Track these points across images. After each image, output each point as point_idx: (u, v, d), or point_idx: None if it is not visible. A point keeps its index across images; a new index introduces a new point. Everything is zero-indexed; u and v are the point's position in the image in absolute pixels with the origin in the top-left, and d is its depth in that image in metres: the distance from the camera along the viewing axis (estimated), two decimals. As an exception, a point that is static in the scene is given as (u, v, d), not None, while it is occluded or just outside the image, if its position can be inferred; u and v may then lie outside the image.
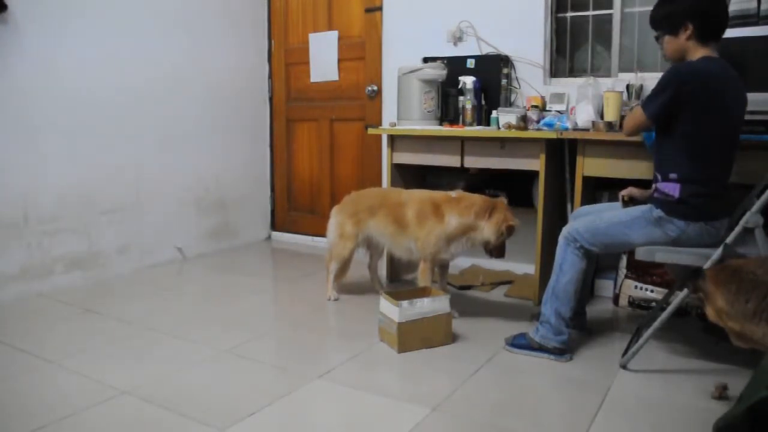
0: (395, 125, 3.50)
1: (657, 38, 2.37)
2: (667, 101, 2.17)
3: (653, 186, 2.34)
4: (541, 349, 2.41)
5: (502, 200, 2.75)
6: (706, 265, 2.03)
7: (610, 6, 3.40)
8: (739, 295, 1.58)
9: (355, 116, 4.27)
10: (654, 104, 2.21)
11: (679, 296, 2.19)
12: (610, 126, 2.84)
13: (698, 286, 1.68)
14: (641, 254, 2.29)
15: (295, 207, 4.68)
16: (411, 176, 3.58)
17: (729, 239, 2.11)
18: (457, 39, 3.71)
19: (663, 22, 2.30)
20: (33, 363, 2.38)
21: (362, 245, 3.17)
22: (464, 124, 3.40)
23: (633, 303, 3.03)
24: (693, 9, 2.22)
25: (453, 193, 2.83)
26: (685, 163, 2.19)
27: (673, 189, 2.21)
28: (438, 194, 2.85)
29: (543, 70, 3.49)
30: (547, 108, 3.33)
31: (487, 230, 2.67)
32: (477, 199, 2.75)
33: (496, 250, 2.74)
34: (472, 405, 2.05)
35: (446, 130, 3.26)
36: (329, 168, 4.45)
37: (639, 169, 2.70)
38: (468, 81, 3.39)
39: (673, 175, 2.21)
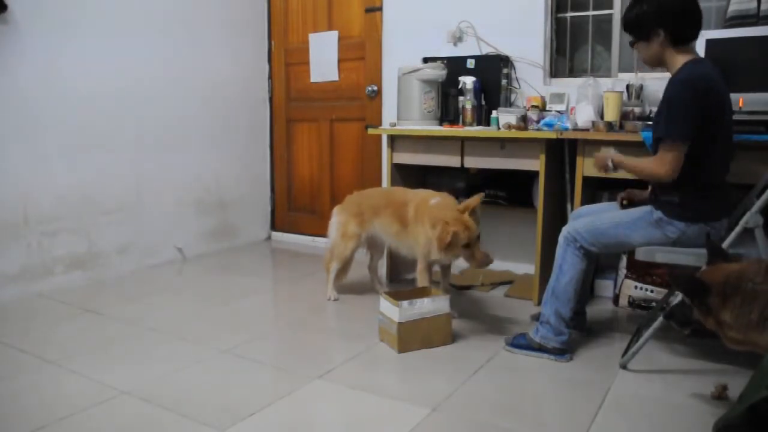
0: (395, 125, 3.50)
1: (631, 44, 2.31)
2: (695, 118, 2.08)
3: (650, 188, 2.34)
4: (541, 349, 2.41)
5: (448, 214, 2.52)
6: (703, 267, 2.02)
7: (610, 6, 3.40)
8: (743, 308, 1.58)
9: (355, 116, 4.27)
10: (683, 125, 2.09)
11: (679, 297, 2.18)
12: (610, 126, 2.84)
13: (705, 302, 1.67)
14: (641, 254, 2.29)
15: (295, 207, 4.68)
16: (411, 176, 3.58)
17: (729, 239, 2.11)
18: (457, 39, 3.71)
19: (635, 28, 2.24)
20: (33, 363, 2.38)
21: (363, 245, 3.17)
22: (464, 124, 3.40)
23: (633, 303, 3.02)
24: (661, 14, 2.16)
25: (433, 200, 2.74)
26: (684, 170, 2.15)
27: (672, 196, 2.20)
28: (428, 197, 2.80)
29: (543, 70, 3.49)
30: (547, 108, 3.32)
31: (434, 250, 2.55)
32: (442, 211, 2.58)
33: (474, 263, 2.54)
34: (472, 405, 2.05)
35: (446, 130, 3.26)
36: (329, 168, 4.45)
37: (639, 169, 2.69)
38: (468, 81, 3.39)
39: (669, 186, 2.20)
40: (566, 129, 2.95)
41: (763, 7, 2.66)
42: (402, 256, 3.09)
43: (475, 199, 2.57)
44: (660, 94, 2.21)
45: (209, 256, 4.17)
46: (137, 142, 3.72)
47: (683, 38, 2.18)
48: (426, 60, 3.64)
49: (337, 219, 3.15)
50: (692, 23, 2.19)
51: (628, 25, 2.28)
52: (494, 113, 3.30)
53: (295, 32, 4.49)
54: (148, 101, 3.76)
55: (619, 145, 2.72)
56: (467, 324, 2.80)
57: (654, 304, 2.84)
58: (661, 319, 2.20)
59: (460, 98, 3.44)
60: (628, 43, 2.33)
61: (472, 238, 2.50)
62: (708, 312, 1.67)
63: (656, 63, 2.27)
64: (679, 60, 2.19)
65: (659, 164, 2.14)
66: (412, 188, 3.10)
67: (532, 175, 3.12)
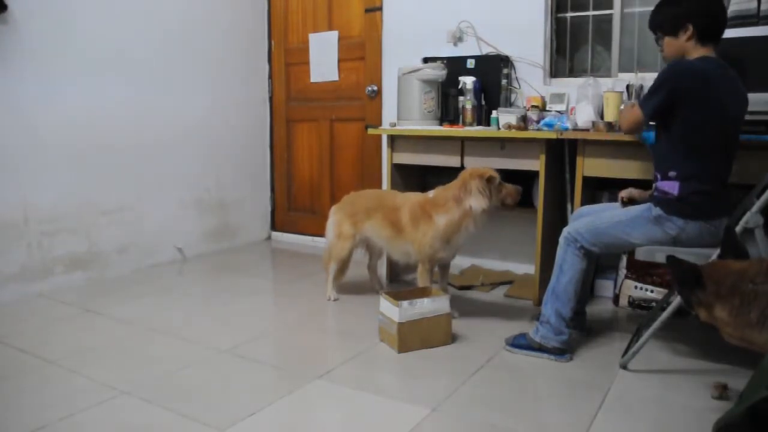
0: (395, 125, 3.50)
1: (657, 40, 2.38)
2: (663, 99, 2.18)
3: (653, 186, 2.34)
4: (541, 349, 2.41)
5: (468, 170, 2.75)
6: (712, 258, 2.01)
7: (610, 6, 3.40)
8: (742, 308, 1.58)
9: (355, 116, 4.27)
10: (651, 102, 2.23)
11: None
12: (610, 126, 2.84)
13: (698, 299, 1.67)
14: (641, 254, 2.29)
15: (295, 207, 4.68)
16: (411, 176, 3.58)
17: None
18: (457, 39, 3.71)
19: (664, 23, 2.32)
20: (33, 363, 2.38)
21: (361, 246, 3.17)
22: (464, 124, 3.40)
23: (633, 303, 3.02)
24: (694, 10, 2.24)
25: (430, 194, 2.83)
26: (684, 160, 2.20)
27: (672, 187, 2.21)
28: (421, 196, 2.86)
29: (543, 70, 3.49)
30: (547, 108, 3.32)
31: (478, 204, 2.64)
32: (450, 189, 2.73)
33: (509, 198, 2.71)
34: (472, 405, 2.05)
35: (446, 130, 3.26)
36: (329, 168, 4.45)
37: (639, 169, 2.70)
38: (468, 81, 3.39)
39: (672, 173, 2.22)
40: (566, 129, 2.95)
41: (763, 7, 2.66)
42: (395, 260, 3.11)
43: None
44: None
45: (209, 256, 4.17)
46: (137, 142, 3.72)
47: (708, 37, 2.24)
48: (426, 60, 3.64)
49: (332, 219, 3.15)
50: (717, 25, 2.25)
51: (656, 23, 2.36)
52: (494, 113, 3.30)
53: (295, 32, 4.49)
54: (148, 101, 3.76)
55: (619, 145, 2.73)
56: (467, 324, 2.80)
57: (654, 304, 2.84)
58: (661, 319, 2.20)
59: (460, 98, 3.44)
60: (654, 40, 2.43)
61: (498, 175, 2.69)
62: (699, 303, 1.67)
63: (678, 58, 2.32)
64: (695, 55, 2.25)
65: (624, 113, 2.41)
66: (413, 189, 3.11)
67: (532, 175, 3.11)
